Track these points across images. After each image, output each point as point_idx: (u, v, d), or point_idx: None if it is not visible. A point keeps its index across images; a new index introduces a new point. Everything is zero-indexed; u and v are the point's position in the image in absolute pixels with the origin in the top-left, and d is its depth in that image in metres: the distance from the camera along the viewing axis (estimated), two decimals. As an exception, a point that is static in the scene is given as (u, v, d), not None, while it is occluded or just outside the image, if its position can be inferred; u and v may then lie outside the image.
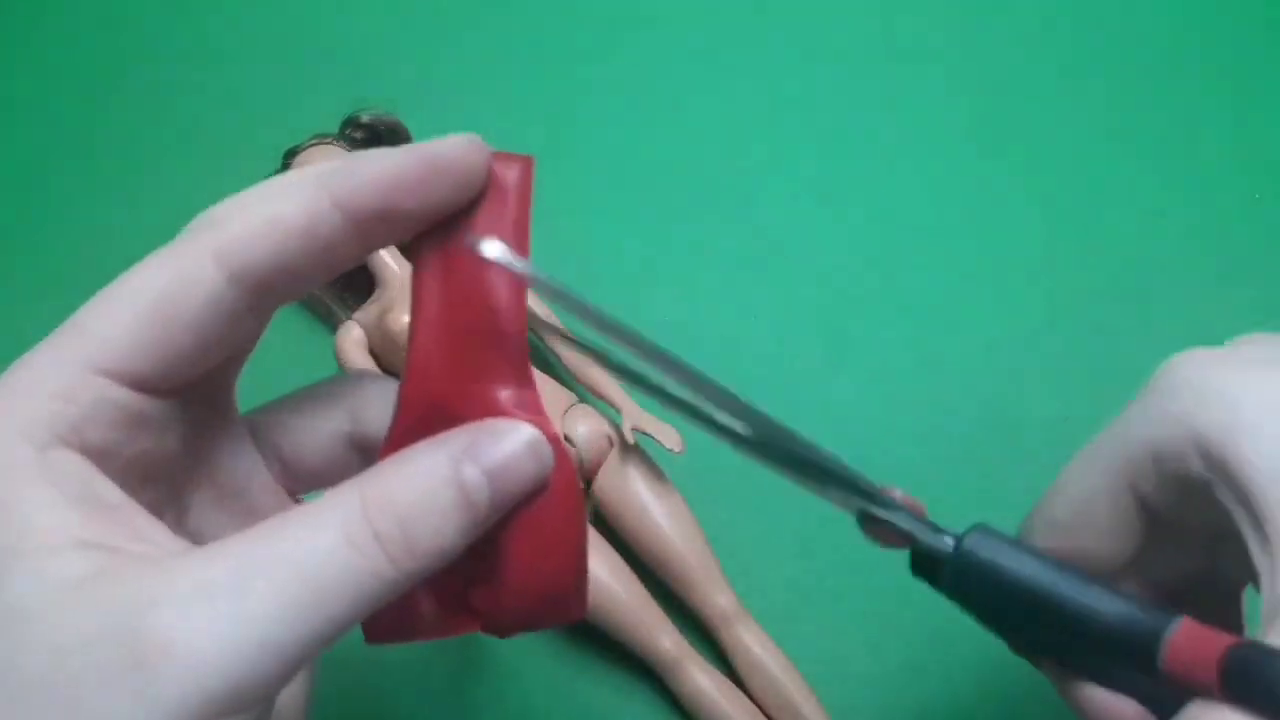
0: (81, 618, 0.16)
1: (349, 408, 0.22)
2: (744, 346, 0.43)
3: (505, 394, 0.20)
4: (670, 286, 0.44)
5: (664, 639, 0.35)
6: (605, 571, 0.35)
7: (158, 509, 0.20)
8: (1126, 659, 0.21)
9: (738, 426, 0.21)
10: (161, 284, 0.18)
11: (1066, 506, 0.24)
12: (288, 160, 0.42)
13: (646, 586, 0.36)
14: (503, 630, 0.22)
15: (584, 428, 0.37)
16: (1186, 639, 0.20)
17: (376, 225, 0.19)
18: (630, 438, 0.36)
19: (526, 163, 0.22)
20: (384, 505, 0.17)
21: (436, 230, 0.20)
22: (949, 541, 0.23)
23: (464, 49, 0.50)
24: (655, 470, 0.37)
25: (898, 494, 0.24)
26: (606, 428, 0.37)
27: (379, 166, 0.18)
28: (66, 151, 0.48)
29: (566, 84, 0.49)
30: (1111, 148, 0.47)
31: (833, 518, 0.40)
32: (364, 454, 0.23)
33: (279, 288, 0.19)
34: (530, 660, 0.37)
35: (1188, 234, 0.45)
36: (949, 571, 0.23)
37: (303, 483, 0.23)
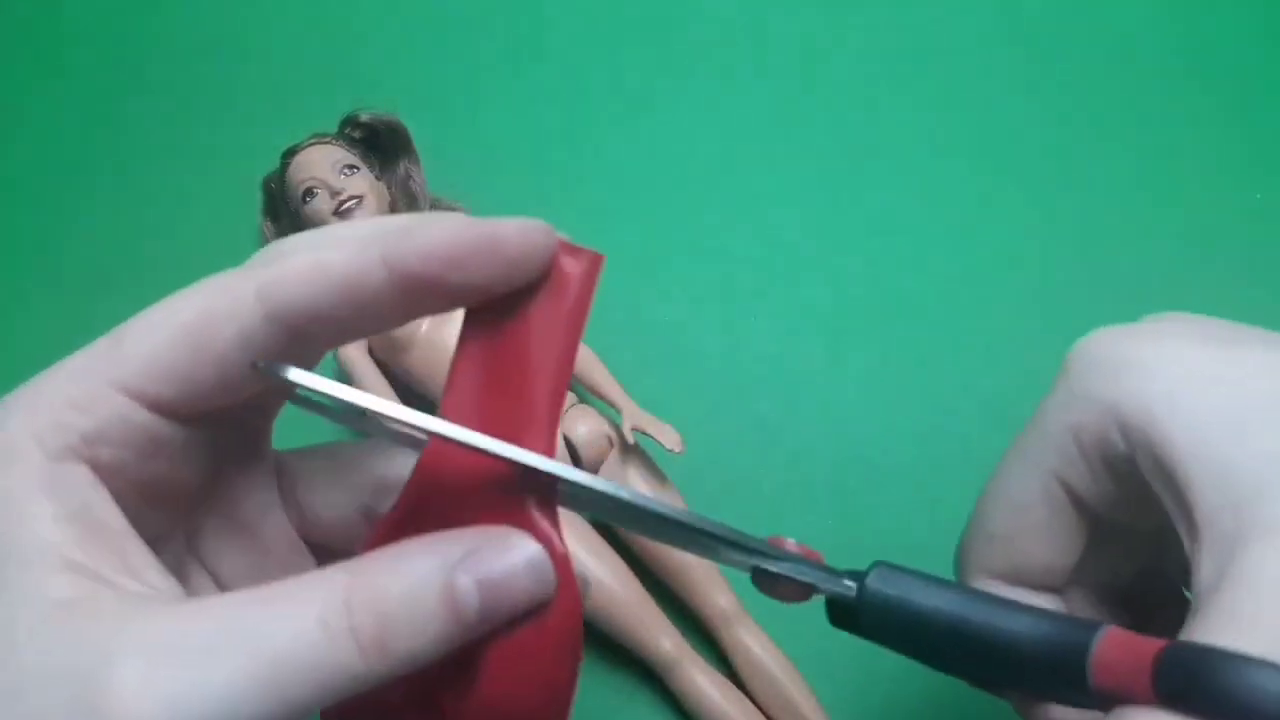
0: (50, 648, 0.16)
1: (375, 481, 0.21)
2: (744, 347, 0.43)
3: (527, 498, 0.19)
4: (670, 287, 0.44)
5: (664, 639, 0.35)
6: (606, 572, 0.35)
7: (166, 529, 0.20)
8: (1057, 677, 0.19)
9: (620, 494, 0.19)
10: (198, 311, 0.18)
11: (1001, 516, 0.23)
12: (286, 159, 0.42)
13: (646, 587, 0.36)
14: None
15: (584, 428, 0.37)
16: (1114, 650, 0.18)
17: (423, 291, 0.18)
18: (630, 438, 0.36)
19: (595, 260, 0.20)
20: (367, 597, 0.17)
21: (492, 304, 0.19)
22: (850, 585, 0.22)
23: (464, 49, 0.50)
24: (655, 470, 0.37)
25: (791, 545, 0.22)
26: (606, 428, 0.37)
27: (436, 235, 0.18)
28: (67, 151, 0.48)
29: (566, 84, 0.49)
30: (1112, 148, 0.47)
31: (833, 518, 0.40)
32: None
33: (315, 333, 0.19)
34: (530, 660, 0.37)
35: (1188, 234, 0.45)
36: (862, 616, 0.22)
37: (315, 536, 0.22)
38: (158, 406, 0.18)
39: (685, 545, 0.22)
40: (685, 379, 0.42)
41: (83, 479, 0.17)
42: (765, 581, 0.22)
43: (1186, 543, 0.19)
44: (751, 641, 0.35)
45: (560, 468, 0.18)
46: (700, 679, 0.35)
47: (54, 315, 0.44)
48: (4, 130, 0.49)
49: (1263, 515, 0.17)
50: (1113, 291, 0.44)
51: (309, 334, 0.18)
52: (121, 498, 0.18)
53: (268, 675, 0.16)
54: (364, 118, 0.43)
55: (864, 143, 0.48)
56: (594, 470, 0.37)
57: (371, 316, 0.18)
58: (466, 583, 0.17)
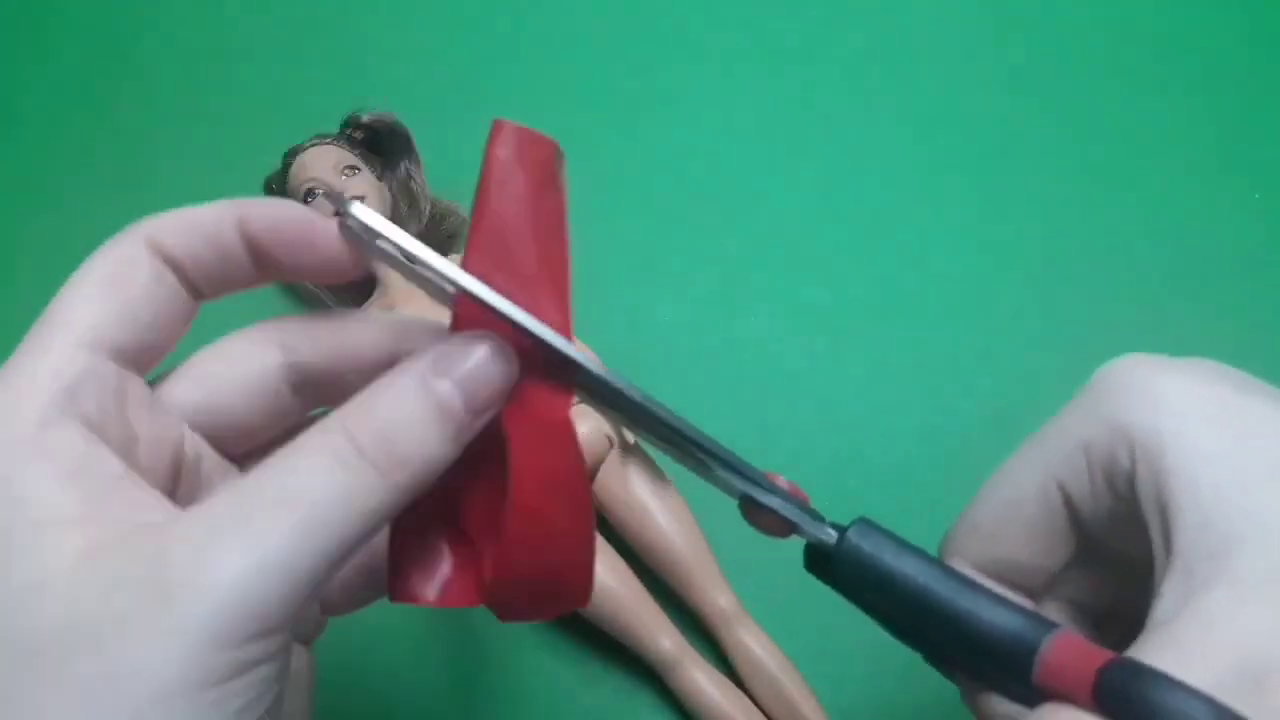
0: (92, 577, 0.16)
1: (279, 340, 0.22)
2: (744, 347, 0.43)
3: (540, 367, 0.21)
4: (670, 287, 0.44)
5: (664, 639, 0.35)
6: (605, 571, 0.35)
7: (168, 478, 0.21)
8: (1005, 668, 0.20)
9: (631, 393, 0.21)
10: (108, 263, 0.20)
11: (993, 510, 0.23)
12: (288, 159, 0.42)
13: (646, 586, 0.36)
14: (508, 603, 0.21)
15: (584, 428, 0.37)
16: (1063, 652, 0.19)
17: (267, 260, 0.21)
18: (630, 437, 0.36)
19: (526, 140, 0.23)
20: (365, 424, 0.18)
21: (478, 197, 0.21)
22: (831, 533, 0.22)
23: (464, 49, 0.50)
24: (655, 470, 0.37)
25: (782, 481, 0.23)
26: (606, 428, 0.37)
27: (277, 214, 0.21)
28: (67, 151, 0.48)
29: (566, 84, 0.49)
30: (1112, 149, 0.47)
31: (830, 514, 0.40)
32: (306, 389, 0.22)
33: (198, 276, 0.21)
34: (530, 660, 0.37)
35: (1189, 234, 0.45)
36: (836, 565, 0.22)
37: (231, 441, 0.23)
38: (116, 354, 0.19)
39: (682, 458, 0.23)
40: (685, 379, 0.42)
41: (75, 434, 0.18)
42: (752, 511, 0.23)
43: (1159, 569, 0.20)
44: (751, 641, 0.35)
45: (565, 345, 0.20)
46: (700, 678, 0.35)
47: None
48: (2, 130, 0.49)
49: (1233, 566, 0.18)
50: (1112, 292, 0.44)
51: (193, 275, 0.21)
52: (114, 449, 0.19)
53: (308, 522, 0.17)
54: (365, 118, 0.43)
55: (864, 143, 0.48)
56: (593, 471, 0.37)
57: (236, 269, 0.21)
58: (444, 385, 0.19)
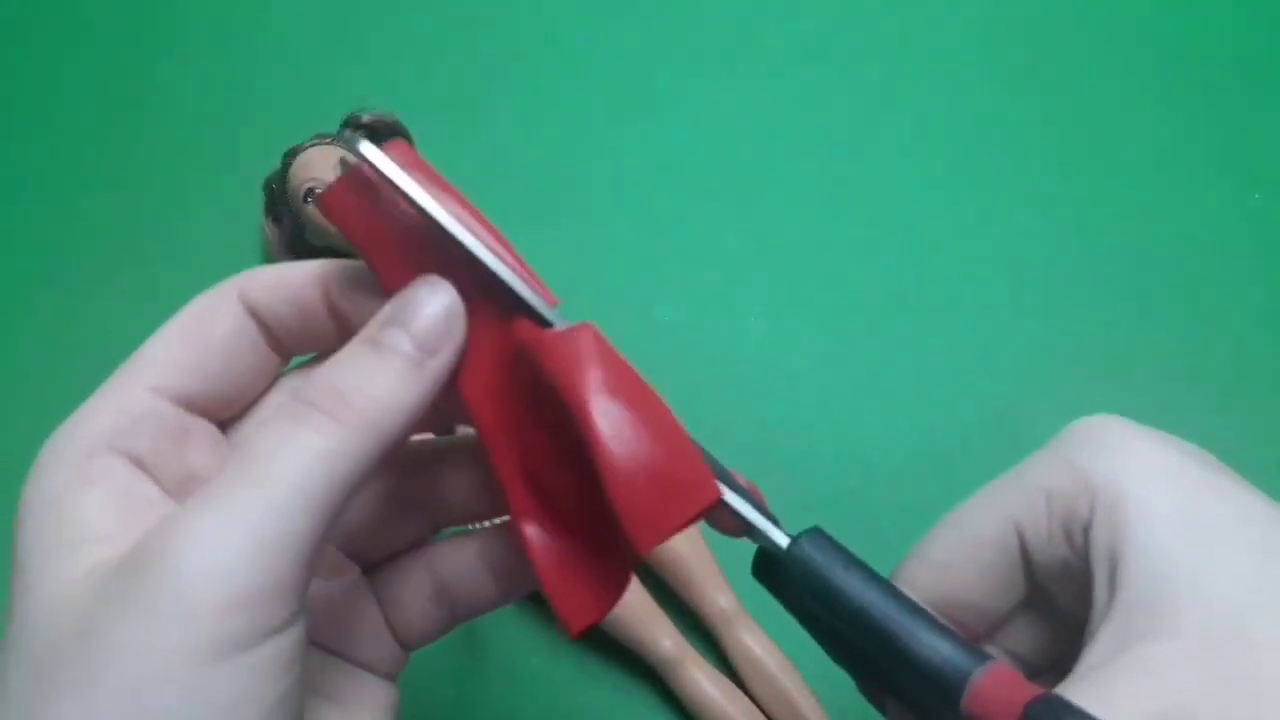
0: (99, 581, 0.17)
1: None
2: (744, 347, 0.43)
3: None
4: (670, 286, 0.44)
5: (664, 639, 0.35)
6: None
7: None
8: (937, 694, 0.20)
9: None
10: (194, 314, 0.21)
11: (949, 545, 0.24)
12: (288, 160, 0.42)
13: (647, 587, 0.36)
14: (653, 532, 0.19)
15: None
16: (994, 683, 0.19)
17: (352, 322, 0.21)
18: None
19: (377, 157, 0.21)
20: (313, 382, 0.19)
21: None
22: (784, 539, 0.21)
23: (465, 49, 0.50)
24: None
25: (741, 478, 0.22)
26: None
27: (364, 305, 0.21)
28: (68, 152, 0.48)
29: (567, 84, 0.49)
30: (1113, 150, 0.47)
31: (834, 520, 0.40)
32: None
33: (281, 331, 0.21)
34: (531, 661, 0.37)
35: (1188, 235, 0.45)
36: (783, 572, 0.21)
37: (220, 408, 0.23)
38: (184, 400, 0.20)
39: None
40: (684, 379, 0.42)
41: (119, 468, 0.19)
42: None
43: (1096, 616, 0.20)
44: (752, 641, 0.35)
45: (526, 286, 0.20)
46: (701, 679, 0.35)
47: (55, 315, 0.44)
48: (6, 130, 0.49)
49: (1170, 621, 0.19)
50: (1113, 292, 0.44)
51: (276, 332, 0.21)
52: (161, 484, 0.20)
53: (279, 481, 0.17)
54: (365, 118, 0.42)
55: (865, 144, 0.48)
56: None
57: (319, 329, 0.21)
58: (387, 332, 0.19)
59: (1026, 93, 0.49)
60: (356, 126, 0.43)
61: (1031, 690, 0.19)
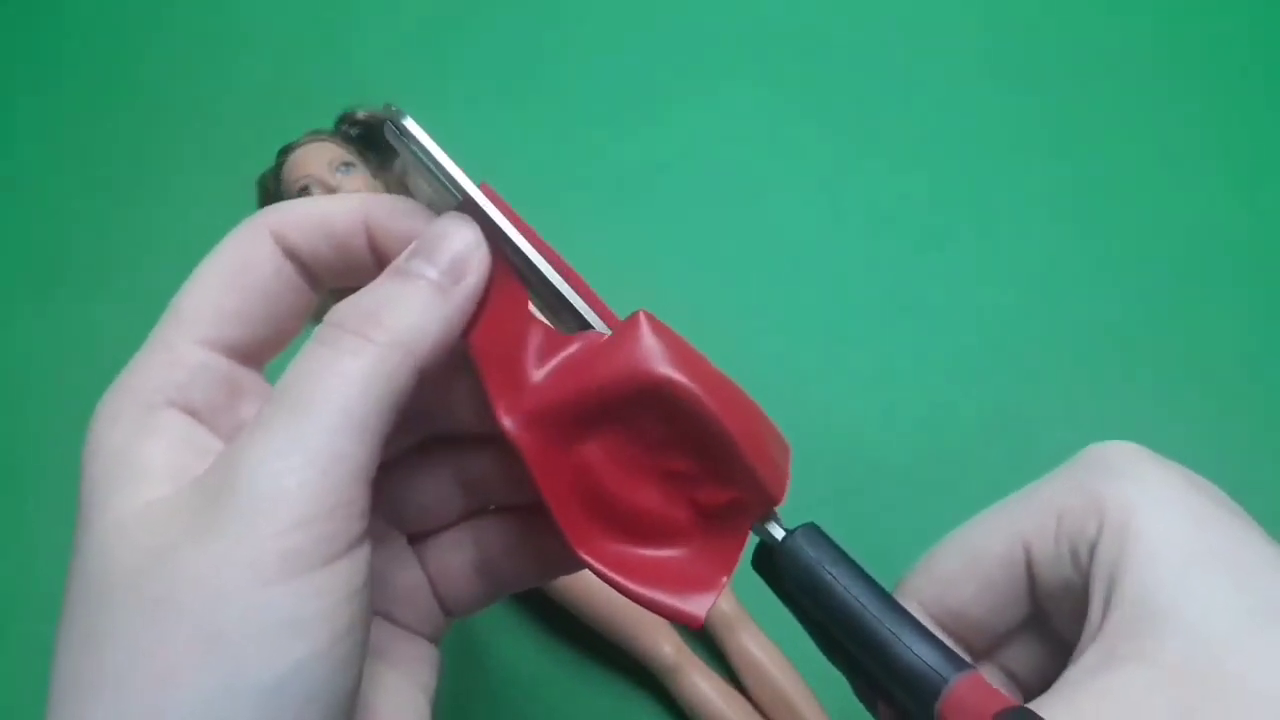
0: (162, 509, 0.18)
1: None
2: (744, 347, 0.43)
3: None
4: (671, 286, 0.44)
5: (665, 643, 0.35)
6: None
7: None
8: (914, 698, 0.20)
9: None
10: (231, 260, 0.21)
11: (956, 558, 0.24)
12: (282, 157, 0.41)
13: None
14: (782, 479, 0.21)
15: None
16: (968, 691, 0.20)
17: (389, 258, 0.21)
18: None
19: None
20: (345, 309, 0.19)
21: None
22: (780, 532, 0.22)
23: (463, 46, 0.50)
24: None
25: None
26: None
27: (411, 224, 0.21)
28: (61, 150, 0.48)
29: (566, 83, 0.49)
30: (1114, 150, 0.47)
31: (833, 519, 0.40)
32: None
33: (319, 269, 0.22)
34: (531, 665, 0.37)
35: (1191, 235, 0.45)
36: (778, 564, 0.22)
37: (266, 351, 0.24)
38: (232, 350, 0.21)
39: None
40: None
41: (178, 420, 0.19)
42: None
43: (1088, 634, 0.21)
44: (753, 645, 0.35)
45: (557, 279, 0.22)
46: (701, 683, 0.35)
47: (50, 313, 0.43)
48: (5, 129, 0.49)
49: (1151, 649, 0.19)
50: (1114, 291, 0.44)
51: (314, 269, 0.21)
52: (222, 434, 0.20)
53: (324, 404, 0.18)
54: (360, 115, 0.42)
55: (865, 144, 0.47)
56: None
57: (359, 267, 0.21)
58: (413, 263, 0.20)
59: (1028, 94, 0.49)
60: (351, 122, 0.42)
61: (1002, 701, 0.19)
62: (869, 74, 0.49)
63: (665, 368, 0.20)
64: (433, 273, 0.20)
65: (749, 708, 0.34)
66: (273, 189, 0.42)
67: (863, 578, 0.22)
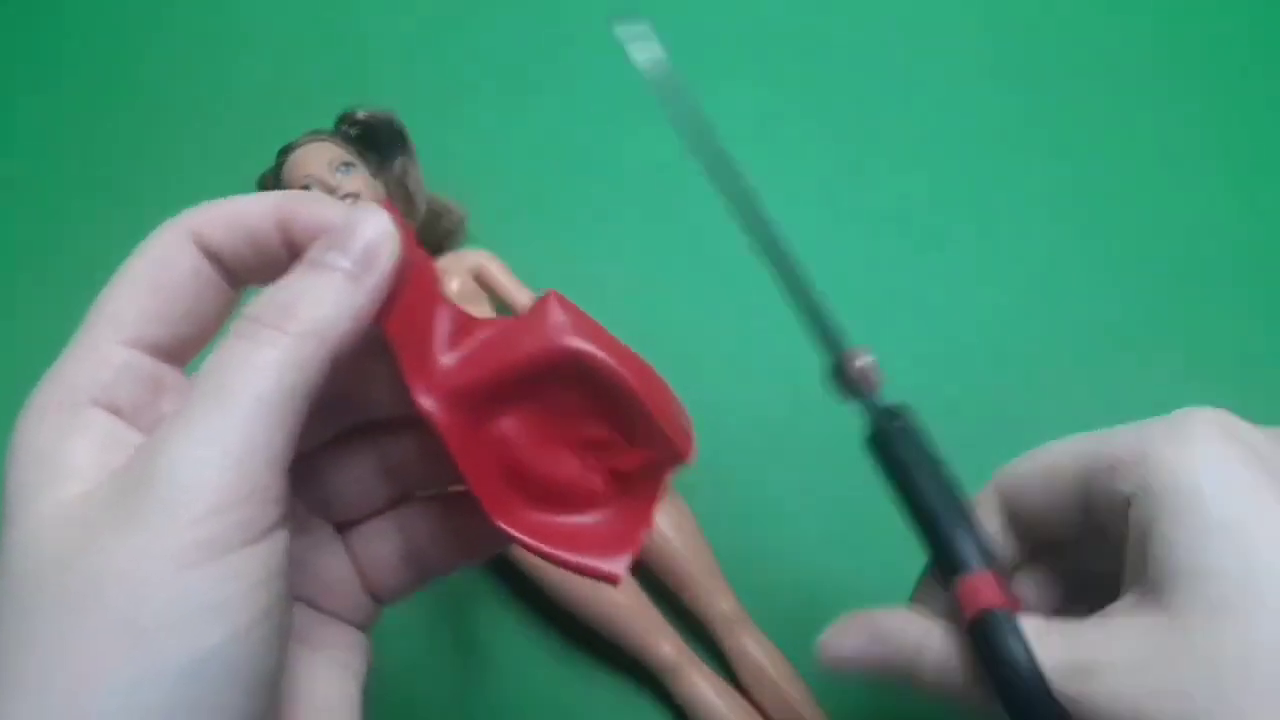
0: (80, 505, 0.18)
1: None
2: (745, 347, 0.43)
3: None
4: (671, 286, 0.44)
5: (665, 644, 0.35)
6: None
7: None
8: (945, 574, 0.25)
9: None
10: (149, 261, 0.21)
11: (1035, 464, 0.27)
12: (282, 157, 0.41)
13: (648, 591, 0.36)
14: (689, 438, 0.23)
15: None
16: (979, 583, 0.24)
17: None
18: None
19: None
20: (260, 302, 0.20)
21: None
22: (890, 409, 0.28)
23: (462, 46, 0.50)
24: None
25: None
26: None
27: (320, 216, 0.22)
28: (59, 150, 0.48)
29: (565, 82, 0.49)
30: (1114, 149, 0.47)
31: (833, 519, 0.40)
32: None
33: (236, 268, 0.22)
34: (531, 665, 0.37)
35: (1191, 235, 0.45)
36: (895, 432, 0.28)
37: (189, 349, 0.24)
38: (155, 349, 0.21)
39: (795, 304, 0.31)
40: (685, 380, 0.42)
41: (102, 418, 0.20)
42: (849, 361, 0.30)
43: (1127, 578, 0.23)
44: (753, 646, 0.35)
45: None
46: (701, 684, 0.34)
47: (48, 314, 0.43)
48: (3, 129, 0.48)
49: (1168, 601, 0.22)
50: (1116, 291, 0.44)
51: (233, 267, 0.22)
52: (145, 432, 0.20)
53: (234, 396, 0.18)
54: (360, 115, 0.42)
55: (866, 144, 0.47)
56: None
57: (275, 264, 0.22)
58: (325, 254, 0.21)
59: (1029, 92, 0.49)
60: (351, 122, 0.42)
61: (998, 598, 0.23)
62: (869, 74, 0.49)
63: (576, 340, 0.21)
64: (345, 263, 0.20)
65: (749, 708, 0.34)
66: (273, 188, 0.42)
67: (935, 463, 0.27)
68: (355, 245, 0.20)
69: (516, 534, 0.22)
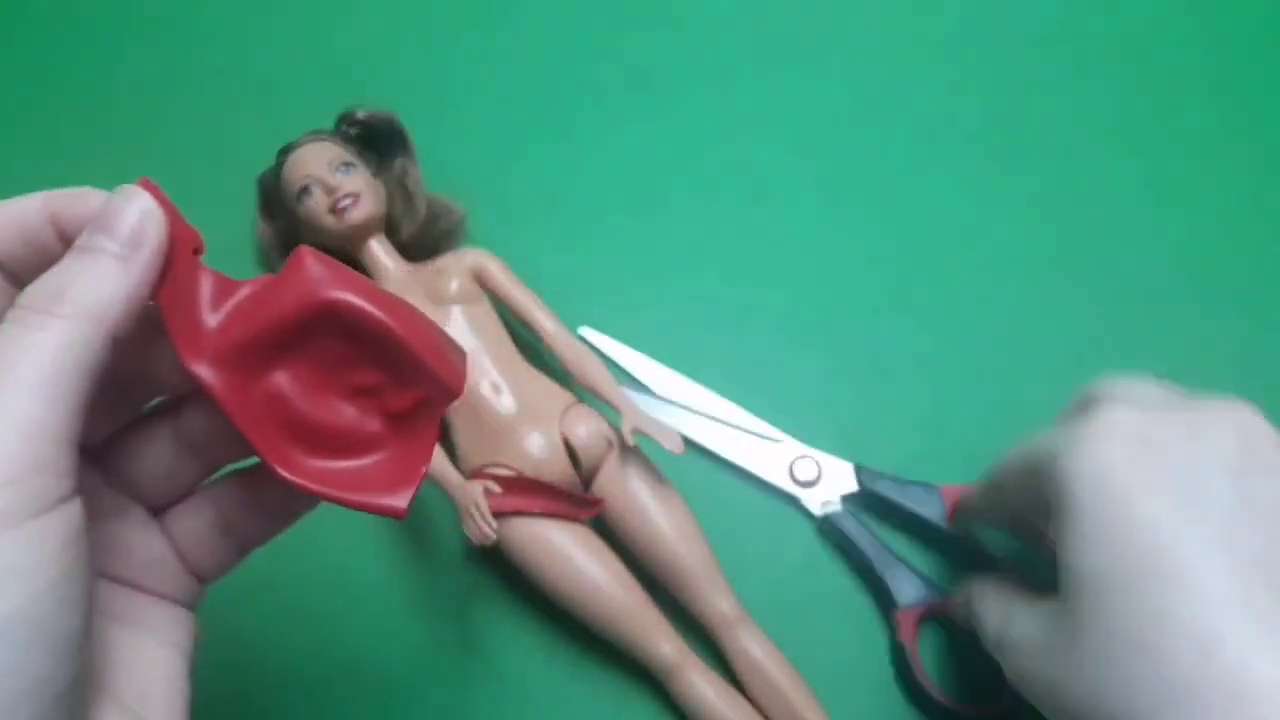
0: None
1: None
2: (746, 347, 0.43)
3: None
4: (672, 285, 0.44)
5: (664, 644, 0.35)
6: (604, 575, 0.35)
7: None
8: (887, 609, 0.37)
9: None
10: None
11: (1000, 469, 0.33)
12: (282, 157, 0.41)
13: (647, 591, 0.36)
14: (459, 377, 0.23)
15: (584, 429, 0.37)
16: (904, 616, 0.36)
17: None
18: (630, 439, 0.36)
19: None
20: (32, 290, 0.21)
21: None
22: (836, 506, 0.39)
23: (462, 46, 0.50)
24: (655, 472, 0.37)
25: None
26: (606, 429, 0.37)
27: (89, 209, 0.22)
28: (60, 148, 0.47)
29: (565, 82, 0.49)
30: (1114, 149, 0.47)
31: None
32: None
33: (18, 264, 0.23)
34: (529, 665, 0.37)
35: (1191, 234, 0.45)
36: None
37: None
38: None
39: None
40: (690, 377, 0.42)
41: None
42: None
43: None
44: (753, 646, 0.35)
45: None
46: (701, 683, 0.34)
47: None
48: (1, 129, 0.48)
49: (1073, 606, 0.27)
50: (1116, 290, 0.44)
51: (11, 268, 0.23)
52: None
53: (12, 377, 0.19)
54: (360, 115, 0.42)
55: (866, 144, 0.47)
56: (593, 472, 0.37)
57: (52, 260, 0.22)
58: (86, 239, 0.21)
59: (1031, 92, 0.49)
60: (351, 122, 0.42)
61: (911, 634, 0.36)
62: (869, 74, 0.49)
63: (334, 291, 0.22)
64: (113, 245, 0.21)
65: (749, 708, 0.34)
66: (273, 188, 0.42)
67: (876, 541, 0.38)
68: (122, 227, 0.21)
69: (300, 480, 0.23)
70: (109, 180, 0.49)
